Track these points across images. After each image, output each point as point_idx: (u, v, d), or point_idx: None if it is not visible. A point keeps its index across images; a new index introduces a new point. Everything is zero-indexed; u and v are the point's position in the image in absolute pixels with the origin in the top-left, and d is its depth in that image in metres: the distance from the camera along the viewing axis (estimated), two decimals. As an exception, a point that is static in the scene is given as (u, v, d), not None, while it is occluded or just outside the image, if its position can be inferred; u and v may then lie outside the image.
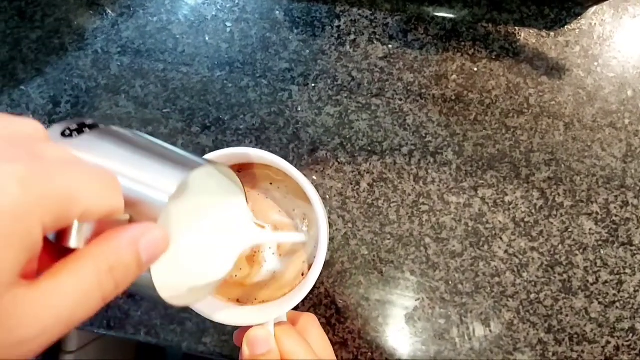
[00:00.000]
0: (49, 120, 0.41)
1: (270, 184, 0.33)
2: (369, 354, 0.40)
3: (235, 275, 0.32)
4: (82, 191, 0.16)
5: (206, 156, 0.29)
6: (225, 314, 0.30)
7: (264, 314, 0.30)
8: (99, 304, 0.17)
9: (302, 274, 0.32)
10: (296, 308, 0.38)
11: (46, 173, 0.15)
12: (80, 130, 0.20)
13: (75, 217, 0.16)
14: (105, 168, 0.18)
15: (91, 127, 0.21)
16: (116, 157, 0.19)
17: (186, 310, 0.41)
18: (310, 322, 0.32)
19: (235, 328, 0.33)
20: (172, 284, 0.22)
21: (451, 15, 0.39)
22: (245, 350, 0.28)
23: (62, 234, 0.17)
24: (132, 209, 0.18)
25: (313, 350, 0.29)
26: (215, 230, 0.26)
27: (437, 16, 0.39)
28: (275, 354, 0.28)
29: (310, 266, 0.32)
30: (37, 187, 0.15)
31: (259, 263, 0.32)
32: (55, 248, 0.17)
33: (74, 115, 0.41)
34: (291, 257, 0.33)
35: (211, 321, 0.40)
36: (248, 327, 0.29)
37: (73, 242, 0.17)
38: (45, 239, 0.16)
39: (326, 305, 0.40)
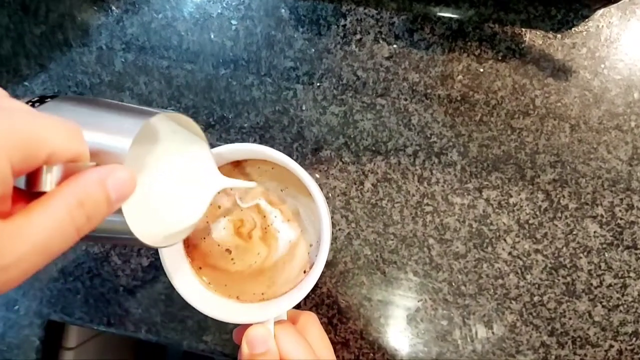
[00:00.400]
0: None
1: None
2: (371, 354, 0.39)
3: (255, 262, 0.32)
4: (47, 134, 0.17)
5: (215, 149, 0.30)
6: (226, 311, 0.30)
7: (264, 312, 0.30)
8: (74, 236, 0.18)
9: (304, 272, 0.32)
10: (298, 306, 0.38)
11: (11, 117, 0.17)
12: (42, 101, 0.22)
13: (42, 157, 0.17)
14: (68, 120, 0.19)
15: (52, 97, 0.22)
16: (77, 114, 0.21)
17: (187, 308, 0.40)
18: (310, 321, 0.32)
19: (235, 325, 0.33)
20: (147, 229, 0.23)
21: (457, 15, 0.39)
22: (245, 348, 0.28)
23: (33, 180, 0.18)
24: (97, 158, 0.20)
25: (312, 350, 0.29)
26: (183, 177, 0.27)
27: (443, 16, 0.39)
28: (273, 354, 0.27)
29: (312, 264, 0.32)
30: (4, 127, 0.16)
31: (273, 236, 0.32)
32: (28, 198, 0.18)
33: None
34: (297, 241, 0.33)
35: (212, 319, 0.40)
36: (248, 325, 0.29)
37: (43, 185, 0.18)
38: (19, 191, 0.18)
39: (328, 305, 0.40)
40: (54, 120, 0.18)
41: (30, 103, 0.22)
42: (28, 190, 0.18)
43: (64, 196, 0.18)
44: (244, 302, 0.32)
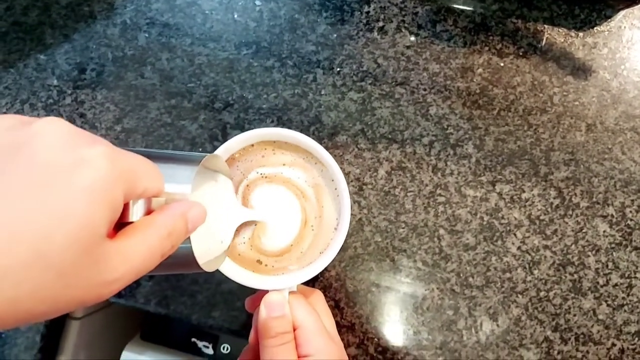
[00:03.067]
0: (73, 86, 0.42)
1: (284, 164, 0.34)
2: (375, 339, 0.40)
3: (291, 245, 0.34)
4: (144, 172, 0.21)
5: (240, 135, 0.33)
6: (247, 279, 0.31)
7: (278, 282, 0.31)
8: (159, 259, 0.21)
9: (320, 252, 0.33)
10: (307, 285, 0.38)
11: (122, 154, 0.20)
12: None
13: (140, 191, 0.20)
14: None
15: None
16: None
17: (197, 283, 0.41)
18: (317, 298, 0.34)
19: (253, 292, 0.34)
20: (201, 254, 0.26)
21: (481, 9, 0.39)
22: (263, 311, 0.30)
23: (123, 212, 0.21)
24: (166, 196, 0.24)
25: (321, 322, 0.30)
26: (215, 210, 0.31)
27: (467, 9, 0.39)
28: (288, 319, 0.29)
29: (328, 245, 0.33)
30: (119, 163, 0.19)
31: (305, 211, 0.34)
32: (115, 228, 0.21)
33: (99, 83, 0.42)
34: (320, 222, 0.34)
35: (221, 296, 0.40)
36: (259, 296, 0.31)
37: (131, 216, 0.21)
38: None
39: (336, 288, 0.40)
40: (146, 160, 0.22)
41: None
42: (118, 220, 0.21)
43: (157, 227, 0.21)
44: (260, 273, 0.33)
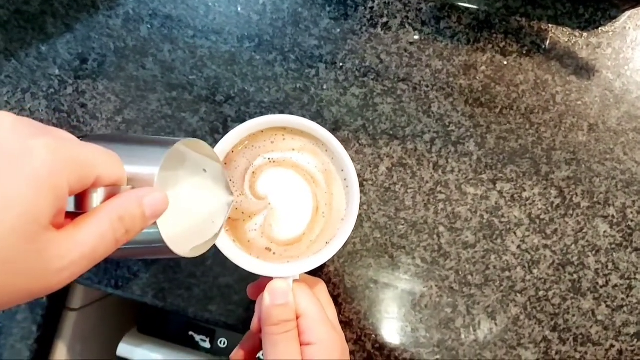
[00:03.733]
0: (74, 76, 0.41)
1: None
2: (373, 335, 0.40)
3: (304, 233, 0.34)
4: (96, 161, 0.21)
5: (251, 121, 0.33)
6: (251, 265, 0.31)
7: (283, 270, 0.31)
8: (113, 245, 0.21)
9: (327, 242, 0.33)
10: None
11: (69, 145, 0.20)
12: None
13: (92, 180, 0.21)
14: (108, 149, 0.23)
15: (82, 137, 0.26)
16: (112, 148, 0.24)
17: (194, 276, 0.41)
18: (321, 288, 0.34)
19: (253, 279, 0.34)
20: (177, 241, 0.26)
21: (485, 7, 0.39)
22: (267, 298, 0.30)
23: (81, 202, 0.21)
24: (132, 183, 0.24)
25: (324, 311, 0.30)
26: (203, 195, 0.30)
27: (471, 6, 0.39)
28: (291, 307, 0.29)
29: (334, 237, 0.33)
30: (63, 154, 0.19)
31: (315, 197, 0.33)
32: (73, 218, 0.21)
33: (100, 74, 0.41)
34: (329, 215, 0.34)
35: (218, 289, 0.40)
36: (262, 284, 0.31)
37: (89, 206, 0.21)
38: (67, 215, 0.20)
39: (335, 284, 0.40)
40: (100, 149, 0.22)
41: None
42: (76, 210, 0.21)
43: (107, 212, 0.21)
44: (267, 261, 0.33)
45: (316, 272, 0.40)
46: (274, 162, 0.34)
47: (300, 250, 0.33)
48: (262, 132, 0.34)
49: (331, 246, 0.32)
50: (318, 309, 0.30)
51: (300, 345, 0.29)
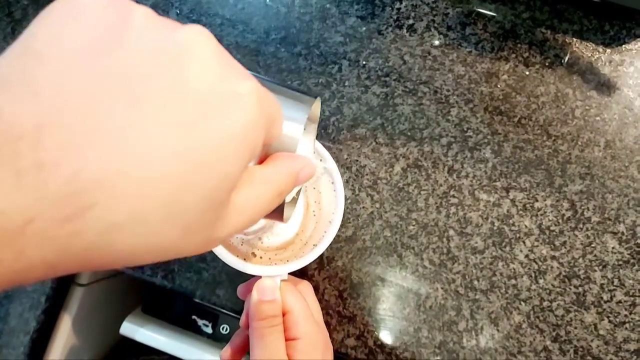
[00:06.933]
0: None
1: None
2: (375, 332, 0.40)
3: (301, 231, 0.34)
4: (279, 115, 0.19)
5: None
6: (239, 264, 0.32)
7: (270, 270, 0.32)
8: (263, 216, 0.20)
9: (314, 245, 0.33)
10: (312, 280, 0.39)
11: (267, 91, 0.17)
12: None
13: (275, 136, 0.19)
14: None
15: None
16: None
17: (204, 260, 0.41)
18: (306, 289, 0.34)
19: (245, 279, 0.34)
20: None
21: (512, 16, 0.40)
22: (255, 295, 0.30)
23: None
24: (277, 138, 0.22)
25: (310, 309, 0.31)
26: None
27: (497, 15, 0.40)
28: (278, 304, 0.30)
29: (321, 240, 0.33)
30: (265, 104, 0.16)
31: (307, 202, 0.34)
32: None
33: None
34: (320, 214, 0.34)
35: (227, 274, 0.41)
36: (252, 284, 0.32)
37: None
38: None
39: (341, 278, 0.41)
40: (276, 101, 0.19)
41: None
42: None
43: (272, 185, 0.19)
44: (255, 263, 0.33)
45: (323, 266, 0.40)
46: None
47: (293, 252, 0.34)
48: None
49: (317, 249, 0.32)
50: (303, 307, 0.30)
51: (286, 340, 0.29)
